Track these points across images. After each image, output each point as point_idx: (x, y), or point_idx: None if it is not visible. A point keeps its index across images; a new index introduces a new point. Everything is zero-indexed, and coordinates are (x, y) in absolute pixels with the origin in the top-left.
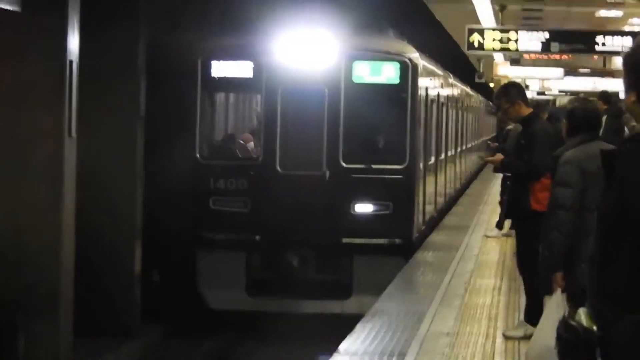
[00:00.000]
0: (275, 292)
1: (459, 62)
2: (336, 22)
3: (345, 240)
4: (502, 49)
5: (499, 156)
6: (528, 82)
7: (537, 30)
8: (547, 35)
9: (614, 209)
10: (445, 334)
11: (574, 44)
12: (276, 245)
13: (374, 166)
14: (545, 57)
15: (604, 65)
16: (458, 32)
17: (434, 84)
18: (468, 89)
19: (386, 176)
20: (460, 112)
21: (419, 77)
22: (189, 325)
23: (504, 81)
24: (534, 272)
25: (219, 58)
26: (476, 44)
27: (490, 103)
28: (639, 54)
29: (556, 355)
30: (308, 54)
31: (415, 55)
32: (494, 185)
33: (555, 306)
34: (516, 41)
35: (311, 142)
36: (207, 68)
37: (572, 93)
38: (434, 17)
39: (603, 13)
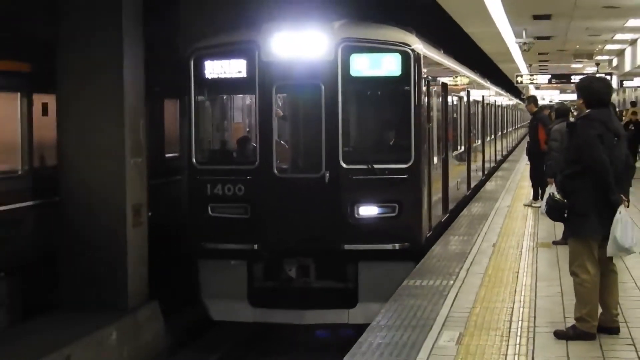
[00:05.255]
0: (277, 302)
1: (513, 89)
2: (336, 11)
3: (348, 246)
4: (531, 82)
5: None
6: (543, 97)
7: (546, 74)
8: (550, 76)
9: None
10: (506, 206)
11: (562, 79)
12: (274, 253)
13: (376, 166)
14: (550, 85)
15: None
16: (511, 75)
17: (443, 76)
18: (493, 85)
19: (390, 176)
20: (483, 107)
21: (423, 68)
22: (197, 336)
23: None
24: (538, 179)
25: (211, 57)
26: (520, 80)
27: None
28: (581, 83)
29: (546, 212)
30: (302, 47)
31: (418, 45)
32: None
33: (549, 191)
34: (537, 79)
35: (309, 143)
36: (199, 68)
37: (562, 101)
38: (501, 69)
39: (574, 65)
